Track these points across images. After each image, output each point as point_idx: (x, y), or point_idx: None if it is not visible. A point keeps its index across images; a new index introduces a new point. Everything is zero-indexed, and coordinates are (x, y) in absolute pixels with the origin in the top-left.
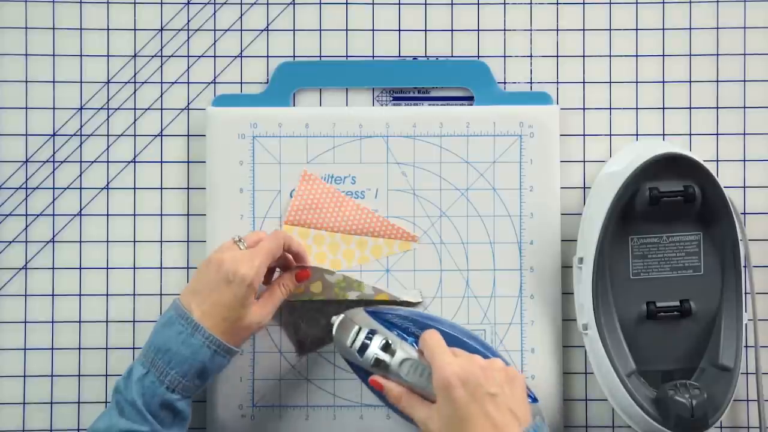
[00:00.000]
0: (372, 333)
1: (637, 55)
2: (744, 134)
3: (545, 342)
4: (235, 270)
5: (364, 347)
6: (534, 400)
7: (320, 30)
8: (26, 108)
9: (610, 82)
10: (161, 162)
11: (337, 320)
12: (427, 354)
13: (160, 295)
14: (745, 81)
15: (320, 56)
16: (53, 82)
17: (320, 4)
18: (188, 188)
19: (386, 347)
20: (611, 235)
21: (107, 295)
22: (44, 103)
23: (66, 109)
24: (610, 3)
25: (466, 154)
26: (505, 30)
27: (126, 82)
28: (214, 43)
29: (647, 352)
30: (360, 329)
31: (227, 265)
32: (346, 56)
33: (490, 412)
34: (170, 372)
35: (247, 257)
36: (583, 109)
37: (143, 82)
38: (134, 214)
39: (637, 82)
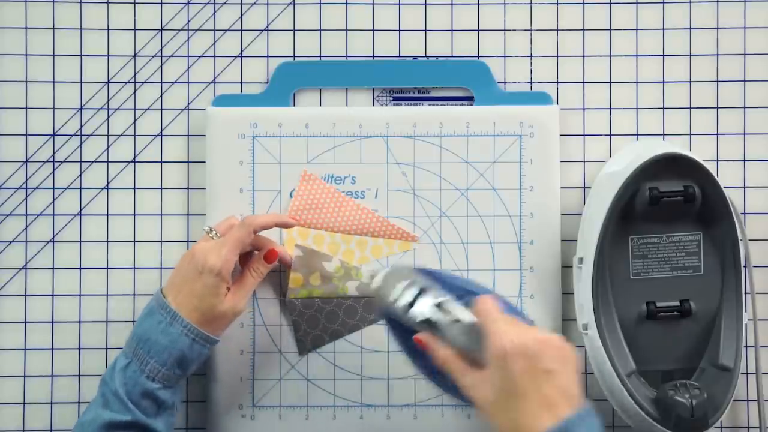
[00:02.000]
0: (422, 290)
1: (637, 55)
2: (744, 134)
3: None
4: (204, 260)
5: (412, 304)
6: None
7: (320, 30)
8: (26, 108)
9: (610, 82)
10: (161, 162)
11: (382, 273)
12: (482, 319)
13: None
14: (745, 81)
15: (320, 56)
16: (53, 82)
17: (320, 4)
18: (188, 188)
19: (438, 306)
20: (611, 235)
21: (107, 295)
22: (44, 103)
23: (66, 109)
24: (610, 3)
25: (466, 154)
26: (505, 30)
27: (126, 82)
28: (214, 43)
29: (647, 352)
30: (409, 284)
31: (197, 256)
32: (346, 56)
33: (543, 389)
34: (150, 361)
35: (215, 247)
36: (583, 109)
37: (143, 82)
38: (134, 214)
39: (637, 82)
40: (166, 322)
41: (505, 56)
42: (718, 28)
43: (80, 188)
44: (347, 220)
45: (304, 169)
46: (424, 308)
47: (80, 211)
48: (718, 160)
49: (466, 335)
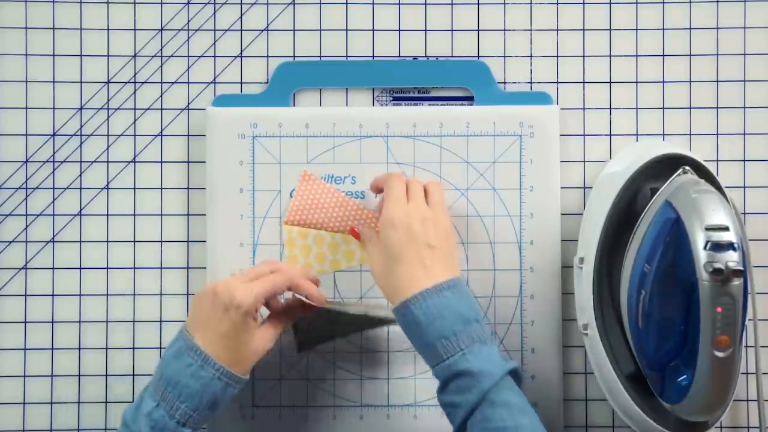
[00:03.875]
0: None
1: (637, 55)
2: (744, 134)
3: (545, 342)
4: (231, 297)
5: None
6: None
7: (320, 30)
8: (26, 108)
9: (610, 82)
10: (161, 162)
11: None
12: (385, 192)
13: (160, 295)
14: (745, 81)
15: (320, 56)
16: (53, 82)
17: (320, 4)
18: (188, 188)
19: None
20: (612, 235)
21: (107, 295)
22: (44, 103)
23: (66, 109)
24: (610, 3)
25: (466, 154)
26: (505, 30)
27: (126, 82)
28: (214, 43)
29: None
30: None
31: (222, 293)
32: (346, 56)
33: (424, 258)
34: (181, 406)
35: (243, 284)
36: (583, 109)
37: (143, 82)
38: (134, 214)
39: (637, 82)
40: (197, 365)
41: (505, 56)
42: (718, 28)
43: (80, 188)
44: (348, 220)
45: (304, 169)
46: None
47: (80, 211)
48: (718, 160)
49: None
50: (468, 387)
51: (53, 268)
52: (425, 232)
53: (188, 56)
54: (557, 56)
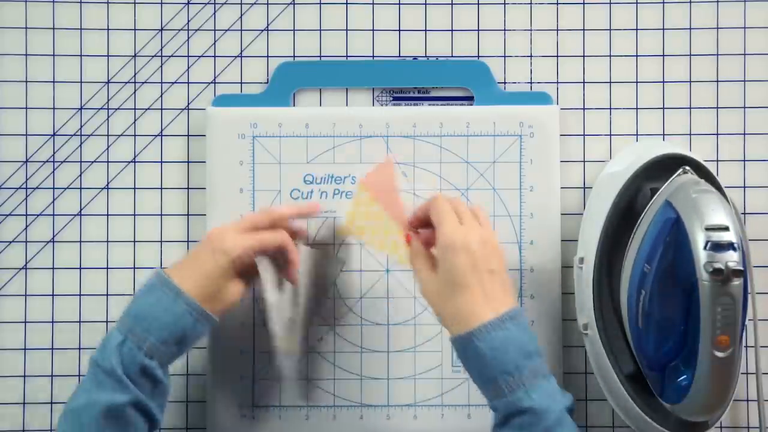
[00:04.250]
0: None
1: (637, 55)
2: (744, 134)
3: (545, 342)
4: (221, 242)
5: None
6: None
7: (320, 30)
8: (26, 108)
9: (610, 82)
10: (161, 162)
11: None
12: (434, 217)
13: None
14: (745, 81)
15: (320, 56)
16: (53, 82)
17: (320, 4)
18: (188, 188)
19: None
20: (612, 235)
21: (107, 295)
22: (44, 103)
23: (66, 109)
24: (610, 3)
25: (466, 154)
26: (505, 30)
27: (126, 82)
28: (214, 43)
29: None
30: None
31: (215, 238)
32: (346, 56)
33: (485, 285)
34: (149, 338)
35: (235, 233)
36: (583, 109)
37: (143, 82)
38: (134, 214)
39: (637, 82)
40: (169, 299)
41: (505, 56)
42: (718, 28)
43: (80, 188)
44: (403, 219)
45: (389, 156)
46: None
47: (80, 211)
48: (718, 160)
49: None
50: (530, 425)
51: (53, 268)
52: (486, 256)
53: (188, 56)
54: (557, 56)
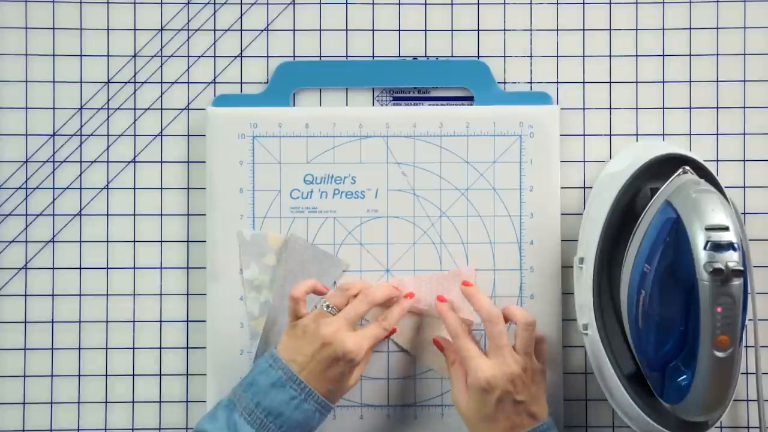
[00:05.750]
0: None
1: (637, 55)
2: (744, 134)
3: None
4: (343, 351)
5: None
6: None
7: (320, 30)
8: (26, 108)
9: (610, 82)
10: (161, 162)
11: None
12: (462, 353)
13: (160, 295)
14: (745, 81)
15: (320, 56)
16: (53, 82)
17: (320, 4)
18: (188, 188)
19: None
20: (612, 235)
21: (107, 295)
22: (44, 103)
23: (66, 109)
24: (610, 3)
25: (466, 154)
26: (505, 30)
27: (126, 82)
28: (214, 43)
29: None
30: None
31: (335, 347)
32: (346, 56)
33: (511, 416)
34: None
35: (355, 336)
36: (583, 109)
37: (143, 82)
38: (134, 214)
39: (637, 82)
40: (300, 399)
41: (505, 56)
42: (718, 28)
43: (80, 188)
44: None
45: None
46: None
47: (80, 211)
48: (718, 160)
49: None
50: None
51: (53, 268)
52: (513, 391)
53: (188, 56)
54: (557, 56)
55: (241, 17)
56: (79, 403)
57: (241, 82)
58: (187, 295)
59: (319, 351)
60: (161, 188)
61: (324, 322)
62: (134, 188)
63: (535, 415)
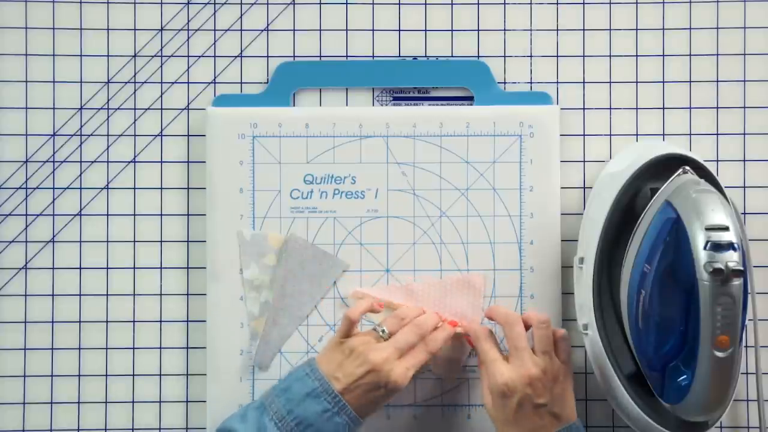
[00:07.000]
0: None
1: (637, 55)
2: (744, 134)
3: None
4: (388, 377)
5: None
6: None
7: (320, 30)
8: (26, 108)
9: (610, 82)
10: (161, 162)
11: None
12: (481, 357)
13: (160, 295)
14: (745, 81)
15: (320, 56)
16: (53, 82)
17: (320, 4)
18: (188, 188)
19: None
20: (612, 235)
21: (107, 295)
22: (44, 103)
23: (66, 109)
24: (610, 3)
25: (466, 154)
26: (505, 30)
27: (126, 82)
28: (214, 43)
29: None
30: None
31: (381, 375)
32: (346, 56)
33: (532, 419)
34: None
35: (402, 365)
36: (583, 109)
37: (143, 82)
38: (134, 214)
39: (637, 82)
40: (333, 411)
41: (505, 56)
42: (718, 28)
43: (80, 188)
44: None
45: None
46: None
47: (80, 211)
48: (718, 160)
49: None
50: None
51: (53, 268)
52: (533, 395)
53: (188, 56)
54: (557, 56)
55: (241, 17)
56: (79, 403)
57: (241, 82)
58: (187, 295)
59: (364, 376)
60: (161, 188)
61: (375, 348)
62: (134, 188)
63: (560, 417)
